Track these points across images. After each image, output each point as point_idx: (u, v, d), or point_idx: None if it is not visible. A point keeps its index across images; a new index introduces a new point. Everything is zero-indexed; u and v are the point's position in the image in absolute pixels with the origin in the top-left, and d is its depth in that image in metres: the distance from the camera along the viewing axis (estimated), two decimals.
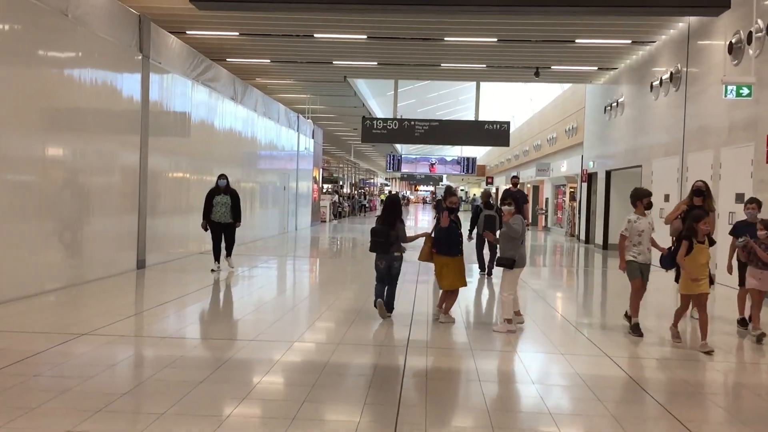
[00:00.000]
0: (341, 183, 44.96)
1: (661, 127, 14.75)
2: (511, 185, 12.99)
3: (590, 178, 20.95)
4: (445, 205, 7.46)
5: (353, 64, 18.62)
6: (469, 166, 29.99)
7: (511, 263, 7.05)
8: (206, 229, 11.06)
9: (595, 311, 9.41)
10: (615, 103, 18.04)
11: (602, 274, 14.24)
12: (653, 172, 15.04)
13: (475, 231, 12.05)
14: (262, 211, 19.65)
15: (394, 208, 7.43)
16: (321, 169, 31.81)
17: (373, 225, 7.47)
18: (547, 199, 30.05)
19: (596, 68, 18.07)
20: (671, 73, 14.03)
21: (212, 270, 11.01)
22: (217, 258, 11.12)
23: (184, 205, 13.12)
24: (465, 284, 7.46)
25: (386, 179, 79.92)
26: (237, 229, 11.33)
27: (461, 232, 7.52)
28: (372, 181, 69.23)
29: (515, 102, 37.32)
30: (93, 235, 9.74)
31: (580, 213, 22.32)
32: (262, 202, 19.62)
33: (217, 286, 9.96)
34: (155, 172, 11.83)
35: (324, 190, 38.32)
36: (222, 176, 11.21)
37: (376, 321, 7.41)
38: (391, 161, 30.48)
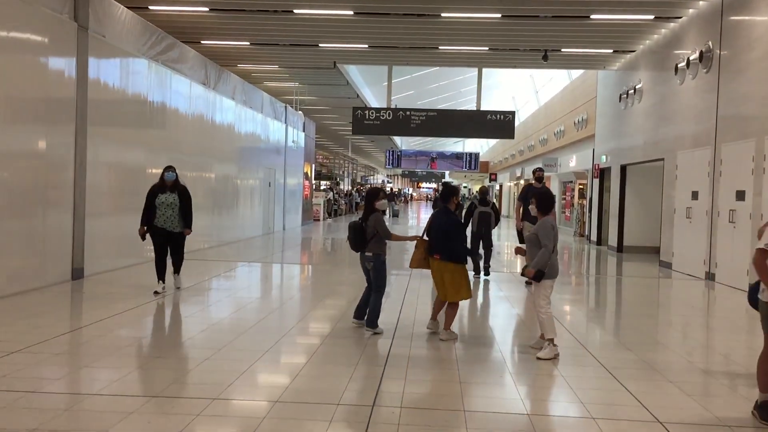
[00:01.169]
0: (338, 180, 43.22)
1: (689, 114, 12.93)
2: (534, 180, 10.50)
3: (602, 173, 19.20)
4: (456, 201, 6.74)
5: (342, 47, 16.85)
6: (471, 162, 28.17)
7: (539, 275, 5.83)
8: (144, 238, 8.54)
9: (628, 341, 6.95)
10: (632, 90, 16.22)
11: (617, 282, 12.42)
12: (678, 166, 13.25)
13: (469, 229, 10.75)
14: (243, 210, 17.88)
15: (370, 199, 6.74)
16: (313, 165, 30.01)
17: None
18: (554, 196, 28.28)
19: (611, 51, 16.25)
20: (701, 52, 12.18)
21: (156, 293, 8.44)
22: (161, 276, 8.55)
23: (140, 204, 11.23)
24: (470, 296, 6.50)
25: (387, 176, 78.22)
26: (187, 237, 8.82)
27: (465, 235, 6.69)
28: (372, 178, 67.55)
29: (520, 95, 35.60)
30: (2, 241, 7.98)
31: (590, 211, 20.55)
32: (243, 199, 17.85)
33: (154, 305, 8.05)
34: (99, 165, 10.07)
35: (321, 187, 36.56)
36: (169, 168, 8.63)
37: (341, 354, 5.68)
38: (391, 157, 28.78)
